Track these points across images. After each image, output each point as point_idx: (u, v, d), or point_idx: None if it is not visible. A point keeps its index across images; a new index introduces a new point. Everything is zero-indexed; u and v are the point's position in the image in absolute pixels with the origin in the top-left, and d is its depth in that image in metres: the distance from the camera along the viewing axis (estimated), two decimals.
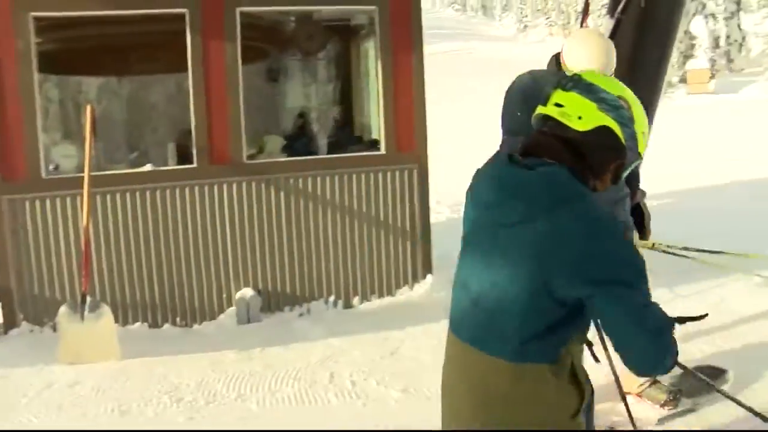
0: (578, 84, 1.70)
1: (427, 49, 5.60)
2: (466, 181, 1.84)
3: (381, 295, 5.47)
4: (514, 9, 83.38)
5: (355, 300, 5.43)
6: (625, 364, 1.65)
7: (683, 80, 42.05)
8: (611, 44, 3.08)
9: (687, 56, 42.64)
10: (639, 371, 1.69)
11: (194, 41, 4.98)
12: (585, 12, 5.56)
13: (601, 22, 5.22)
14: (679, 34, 5.22)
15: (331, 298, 5.38)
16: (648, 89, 3.88)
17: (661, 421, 3.54)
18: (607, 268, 1.57)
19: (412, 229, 5.50)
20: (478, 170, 1.82)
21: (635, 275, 1.59)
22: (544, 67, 3.33)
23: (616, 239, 1.62)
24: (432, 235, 5.60)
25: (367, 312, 5.30)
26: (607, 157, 1.71)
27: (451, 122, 18.38)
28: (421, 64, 5.46)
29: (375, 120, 5.70)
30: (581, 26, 5.54)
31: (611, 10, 5.06)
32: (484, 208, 1.74)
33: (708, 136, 17.09)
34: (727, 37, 47.47)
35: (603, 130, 1.67)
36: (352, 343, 4.64)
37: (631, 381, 3.50)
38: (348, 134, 6.33)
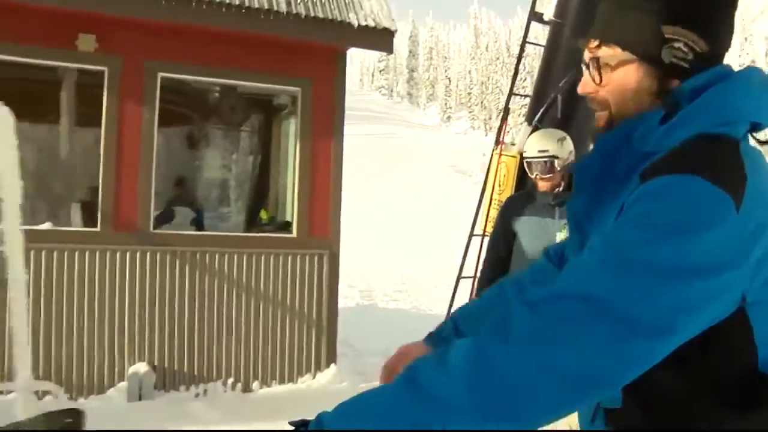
0: None
1: (351, 129, 5.62)
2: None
3: (282, 381, 5.25)
4: (439, 99, 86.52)
5: (255, 384, 5.19)
6: None
7: None
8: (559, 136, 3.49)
9: None
10: None
11: (110, 100, 4.82)
12: (504, 117, 5.71)
13: (520, 128, 5.40)
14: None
15: (230, 380, 5.13)
16: None
17: None
18: None
19: (319, 315, 5.35)
20: None
21: None
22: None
23: None
24: (339, 322, 5.46)
25: (266, 398, 5.05)
26: None
27: (368, 204, 18.50)
28: (341, 150, 5.44)
29: (290, 201, 5.61)
30: (500, 128, 5.66)
31: (529, 118, 5.24)
32: None
33: None
34: None
35: None
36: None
37: None
38: (259, 212, 6.21)
